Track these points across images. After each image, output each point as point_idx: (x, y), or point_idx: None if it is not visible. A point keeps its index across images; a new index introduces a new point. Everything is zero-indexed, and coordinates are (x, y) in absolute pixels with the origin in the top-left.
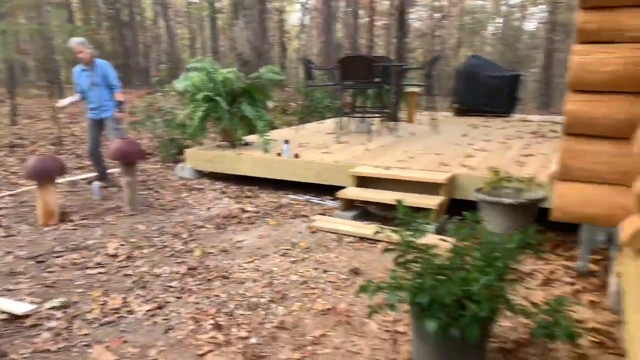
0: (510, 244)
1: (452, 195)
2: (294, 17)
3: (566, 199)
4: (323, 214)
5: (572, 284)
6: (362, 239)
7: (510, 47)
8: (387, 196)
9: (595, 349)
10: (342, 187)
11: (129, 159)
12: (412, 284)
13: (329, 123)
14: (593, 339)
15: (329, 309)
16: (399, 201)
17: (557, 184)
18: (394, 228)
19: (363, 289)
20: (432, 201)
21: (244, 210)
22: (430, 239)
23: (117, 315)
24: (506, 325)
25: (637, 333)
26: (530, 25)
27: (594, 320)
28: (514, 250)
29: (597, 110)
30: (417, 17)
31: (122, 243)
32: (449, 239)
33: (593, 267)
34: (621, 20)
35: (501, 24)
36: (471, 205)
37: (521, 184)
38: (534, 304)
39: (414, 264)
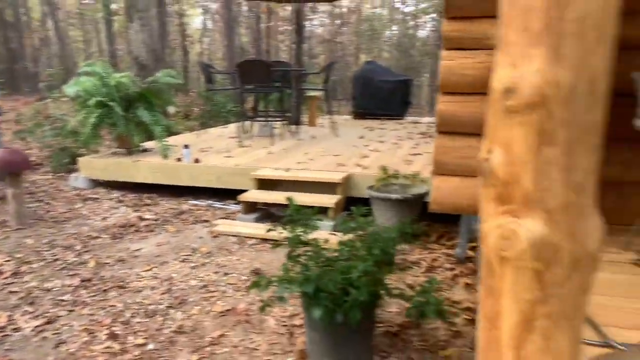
0: (390, 234)
1: (349, 193)
2: (196, 20)
3: (440, 192)
4: (226, 218)
5: (452, 269)
6: (264, 240)
7: (405, 53)
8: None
9: (468, 326)
10: (245, 191)
11: (13, 169)
12: (301, 276)
13: (232, 127)
14: (467, 317)
15: (228, 310)
16: (289, 199)
17: (433, 178)
18: (286, 226)
19: (255, 284)
20: (329, 200)
21: (142, 219)
22: (322, 234)
23: (1, 334)
24: (393, 310)
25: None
26: (423, 33)
27: (468, 300)
28: (393, 240)
29: (463, 110)
30: (319, 24)
31: (7, 259)
32: (339, 233)
33: (471, 253)
34: (480, 30)
35: (397, 32)
36: (366, 202)
37: (407, 181)
38: (412, 288)
39: (304, 257)
